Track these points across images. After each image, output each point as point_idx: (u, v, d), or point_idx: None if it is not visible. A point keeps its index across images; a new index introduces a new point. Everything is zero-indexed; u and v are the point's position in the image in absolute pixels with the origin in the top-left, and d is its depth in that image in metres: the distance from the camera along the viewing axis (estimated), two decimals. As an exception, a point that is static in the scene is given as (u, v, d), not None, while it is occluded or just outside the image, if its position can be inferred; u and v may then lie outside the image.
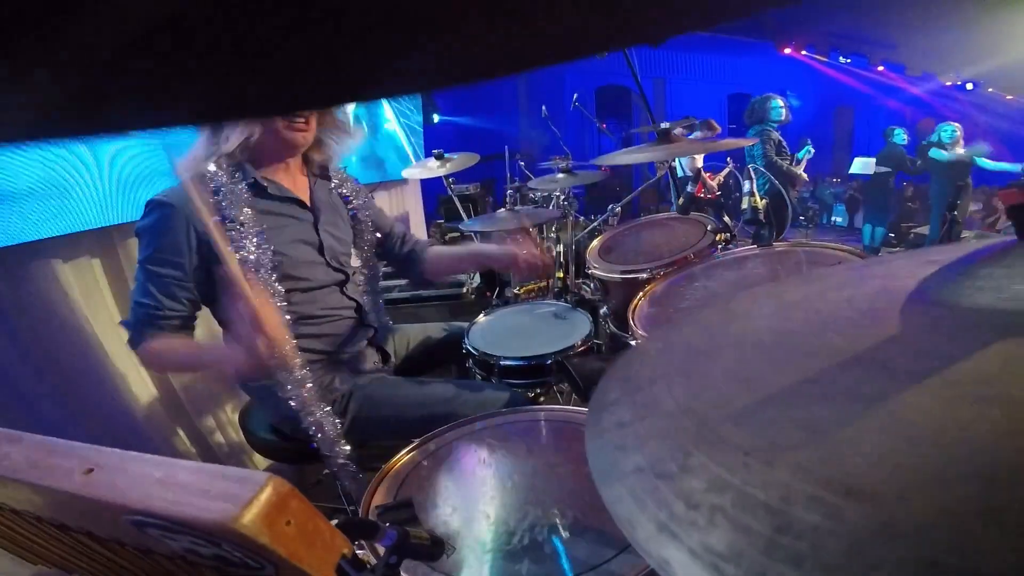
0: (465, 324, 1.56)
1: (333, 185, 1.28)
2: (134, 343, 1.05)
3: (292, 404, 1.04)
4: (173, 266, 1.03)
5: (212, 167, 1.04)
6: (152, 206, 1.04)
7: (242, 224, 1.03)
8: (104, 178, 1.51)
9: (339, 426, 1.09)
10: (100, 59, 0.18)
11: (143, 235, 1.05)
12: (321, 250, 1.18)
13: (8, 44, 0.17)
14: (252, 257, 1.02)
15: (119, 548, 0.42)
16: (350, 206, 1.30)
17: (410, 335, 1.48)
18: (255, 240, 1.03)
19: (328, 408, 1.08)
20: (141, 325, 1.04)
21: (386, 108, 3.16)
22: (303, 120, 1.12)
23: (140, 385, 1.61)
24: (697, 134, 3.59)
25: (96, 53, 0.18)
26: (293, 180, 1.19)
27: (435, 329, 1.54)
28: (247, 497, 0.30)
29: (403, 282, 2.55)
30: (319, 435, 1.06)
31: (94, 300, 1.52)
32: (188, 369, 1.04)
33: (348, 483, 1.10)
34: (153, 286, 1.03)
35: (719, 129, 3.90)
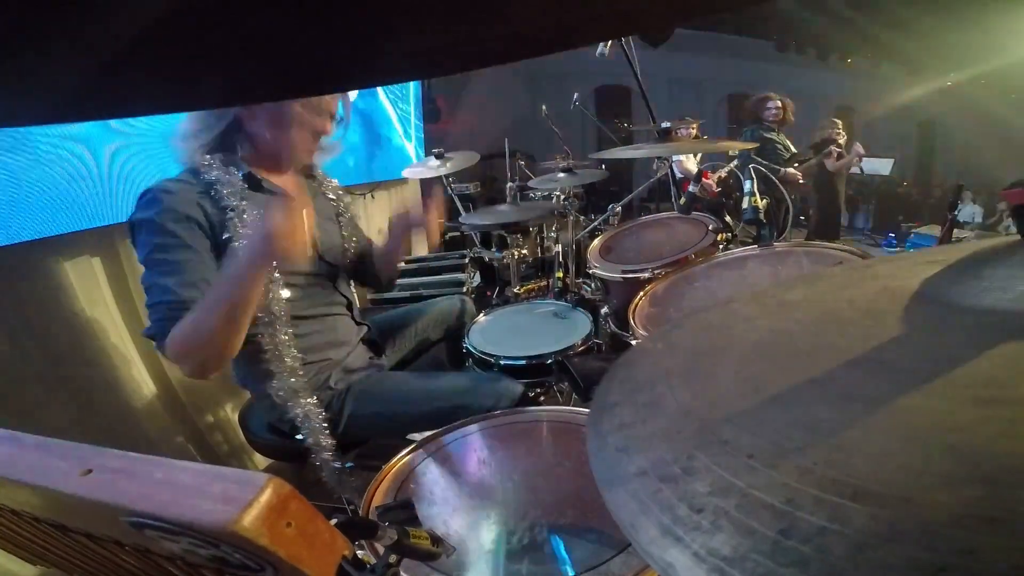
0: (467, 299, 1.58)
1: (316, 183, 1.29)
2: (161, 346, 0.95)
3: (280, 395, 1.05)
4: (186, 248, 0.96)
5: (207, 158, 1.03)
6: (152, 194, 0.98)
7: (243, 214, 1.01)
8: (104, 176, 1.50)
9: (324, 417, 1.09)
10: (124, 41, 0.18)
11: (144, 226, 0.97)
12: (313, 242, 1.17)
13: (37, 24, 0.18)
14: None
15: (118, 549, 0.42)
16: (337, 208, 1.30)
17: (407, 333, 1.48)
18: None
19: (313, 400, 1.09)
20: (164, 324, 0.93)
21: (386, 105, 3.15)
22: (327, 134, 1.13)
23: (140, 385, 1.61)
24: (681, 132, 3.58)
25: (121, 35, 0.18)
26: (283, 179, 1.19)
27: (433, 320, 1.54)
28: (247, 499, 0.29)
29: (403, 280, 2.56)
30: (305, 426, 1.07)
31: (94, 299, 1.51)
32: (218, 322, 0.90)
33: (332, 477, 1.10)
34: (167, 277, 0.94)
35: (695, 123, 3.92)
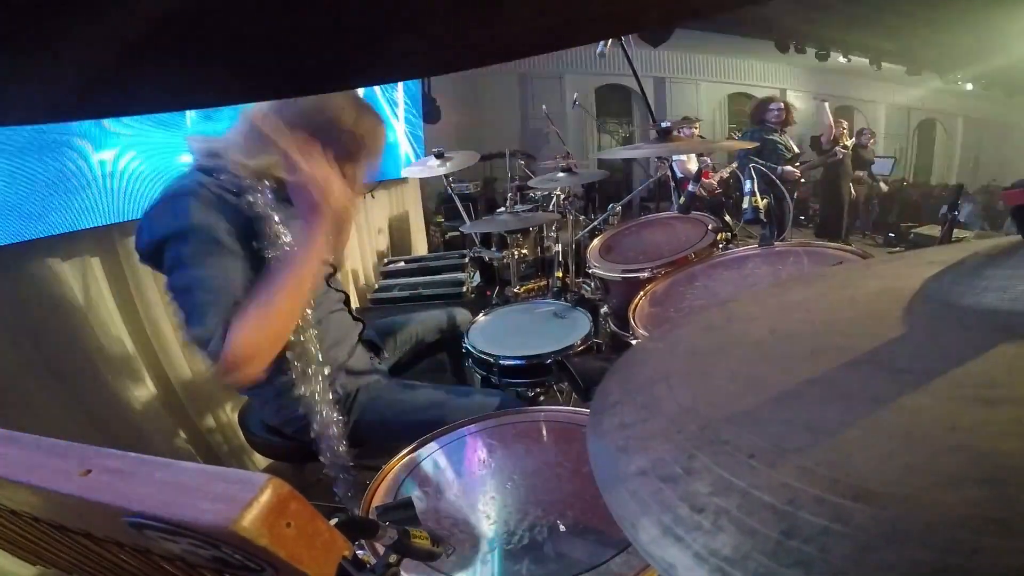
0: (461, 310, 1.57)
1: None
2: (214, 350, 0.84)
3: (301, 400, 1.03)
4: (232, 253, 0.91)
5: (237, 169, 0.98)
6: (184, 201, 0.90)
7: (277, 221, 0.97)
8: (104, 176, 1.50)
9: (342, 425, 1.08)
10: (129, 38, 0.18)
11: (181, 235, 0.89)
12: None
13: (41, 22, 0.18)
14: (286, 251, 0.97)
15: (117, 549, 0.42)
16: None
17: (404, 336, 1.48)
18: (285, 234, 0.98)
19: (329, 406, 1.06)
20: (220, 324, 0.84)
21: (383, 105, 3.15)
22: None
23: (140, 385, 1.61)
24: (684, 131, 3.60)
25: (125, 32, 0.18)
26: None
27: (431, 324, 1.54)
28: (246, 499, 0.29)
29: (402, 280, 2.56)
30: (324, 433, 1.05)
31: (93, 299, 1.51)
32: (286, 308, 0.88)
33: (342, 486, 1.09)
34: (220, 273, 0.88)
35: (696, 122, 3.94)
